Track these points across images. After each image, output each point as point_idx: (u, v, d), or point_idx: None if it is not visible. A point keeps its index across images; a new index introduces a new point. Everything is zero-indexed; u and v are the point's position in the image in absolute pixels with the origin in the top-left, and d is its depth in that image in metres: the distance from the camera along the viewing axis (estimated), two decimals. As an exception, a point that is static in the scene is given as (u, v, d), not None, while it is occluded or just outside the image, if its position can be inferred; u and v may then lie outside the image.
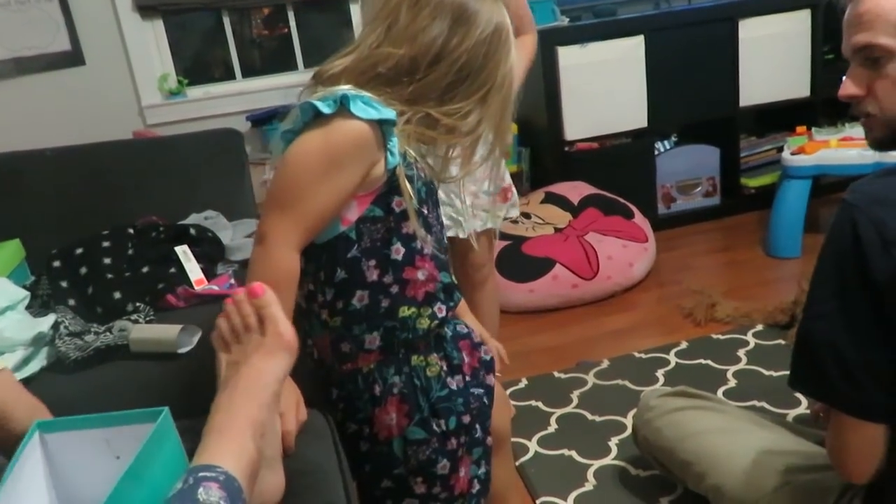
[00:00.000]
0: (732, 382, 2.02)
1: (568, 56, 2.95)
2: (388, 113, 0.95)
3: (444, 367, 1.10)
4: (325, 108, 0.93)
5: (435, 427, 1.07)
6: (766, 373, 2.04)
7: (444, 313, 1.08)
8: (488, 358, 1.19)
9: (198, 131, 2.14)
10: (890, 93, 1.04)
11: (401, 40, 0.97)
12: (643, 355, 2.21)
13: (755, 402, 1.89)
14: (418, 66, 0.97)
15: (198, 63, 3.26)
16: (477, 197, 1.69)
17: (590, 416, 1.94)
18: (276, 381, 0.87)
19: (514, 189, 1.84)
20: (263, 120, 3.04)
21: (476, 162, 1.08)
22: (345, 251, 1.01)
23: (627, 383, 2.07)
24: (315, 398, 1.11)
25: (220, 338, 0.91)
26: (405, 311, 1.04)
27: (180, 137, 2.19)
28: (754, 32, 3.09)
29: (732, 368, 2.09)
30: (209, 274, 1.64)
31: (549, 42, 2.93)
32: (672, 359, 2.18)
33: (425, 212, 1.06)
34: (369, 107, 0.94)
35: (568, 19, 3.10)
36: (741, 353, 2.16)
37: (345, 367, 1.07)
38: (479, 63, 0.98)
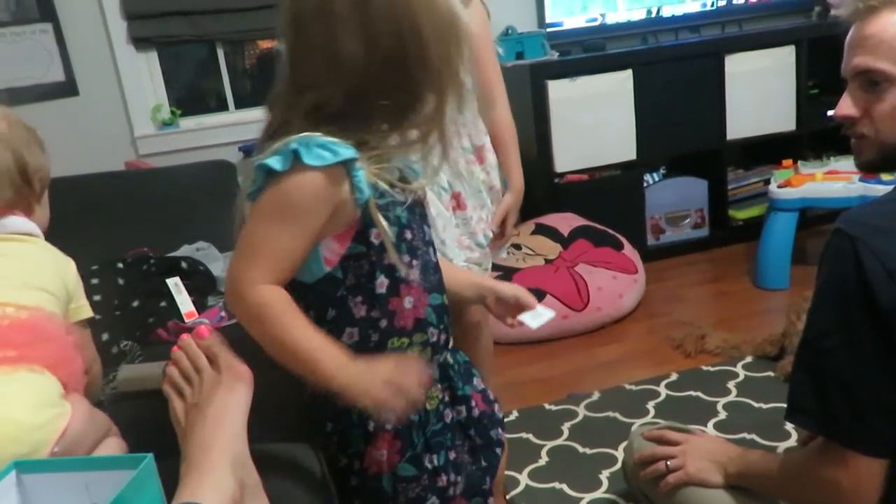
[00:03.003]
0: (723, 415, 2.02)
1: (558, 89, 2.99)
2: (347, 152, 0.92)
3: (446, 398, 1.09)
4: (277, 166, 0.91)
5: (427, 463, 1.06)
6: (756, 405, 2.05)
7: (436, 337, 1.07)
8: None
9: (190, 163, 2.15)
10: (886, 118, 1.04)
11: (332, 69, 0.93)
12: (634, 387, 2.22)
13: (745, 435, 1.89)
14: (361, 92, 0.93)
15: (191, 94, 3.28)
16: (471, 250, 1.66)
17: (581, 449, 1.94)
18: (241, 413, 0.90)
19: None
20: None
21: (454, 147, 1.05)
22: (333, 290, 1.00)
23: (618, 415, 2.07)
24: (308, 430, 1.10)
25: (172, 385, 0.93)
26: (395, 343, 1.03)
27: (173, 169, 2.21)
28: (740, 67, 3.15)
29: (722, 400, 2.09)
30: (200, 307, 1.64)
31: (540, 76, 2.98)
32: (662, 391, 2.18)
33: (409, 236, 1.03)
34: (325, 150, 0.91)
35: (558, 53, 3.15)
36: (731, 385, 2.17)
37: (340, 402, 1.03)
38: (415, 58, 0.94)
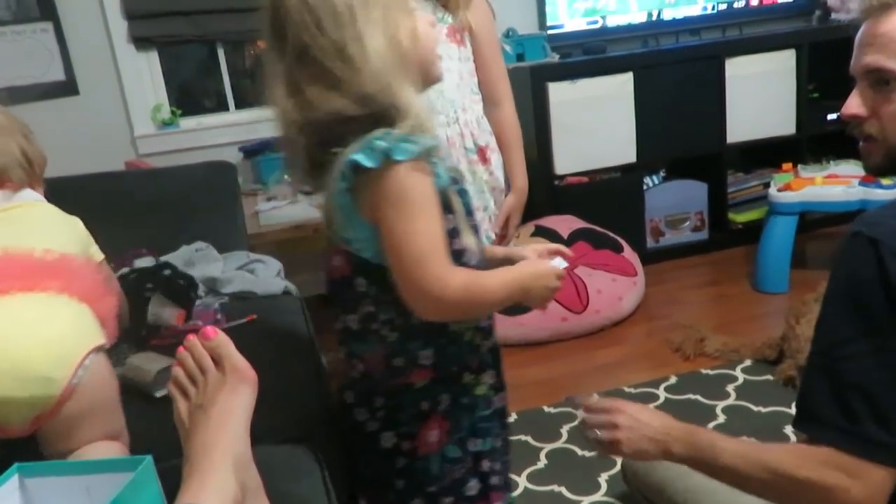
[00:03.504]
0: (721, 418, 2.02)
1: (558, 92, 2.99)
2: (427, 141, 0.93)
3: (496, 384, 1.12)
4: (367, 163, 0.90)
5: (471, 447, 1.08)
6: (755, 409, 2.05)
7: (486, 323, 1.10)
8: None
9: (190, 163, 2.15)
10: (894, 119, 1.01)
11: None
12: (633, 390, 2.22)
13: (744, 439, 1.88)
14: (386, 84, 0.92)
15: (191, 94, 3.28)
16: None
17: (579, 452, 1.94)
18: (244, 414, 0.90)
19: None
20: (255, 151, 3.05)
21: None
22: None
23: (617, 418, 2.07)
24: (341, 405, 1.12)
25: (177, 385, 0.93)
26: (454, 326, 1.05)
27: (173, 169, 2.20)
28: (741, 71, 3.15)
29: (721, 404, 2.09)
30: (189, 312, 1.63)
31: (540, 78, 2.98)
32: (661, 394, 2.18)
33: (471, 222, 1.06)
34: (407, 143, 0.91)
35: (558, 56, 3.15)
36: (730, 388, 2.17)
37: (395, 381, 1.05)
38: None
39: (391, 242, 0.94)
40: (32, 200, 1.31)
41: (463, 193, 1.03)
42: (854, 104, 1.04)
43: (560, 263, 1.12)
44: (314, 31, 0.91)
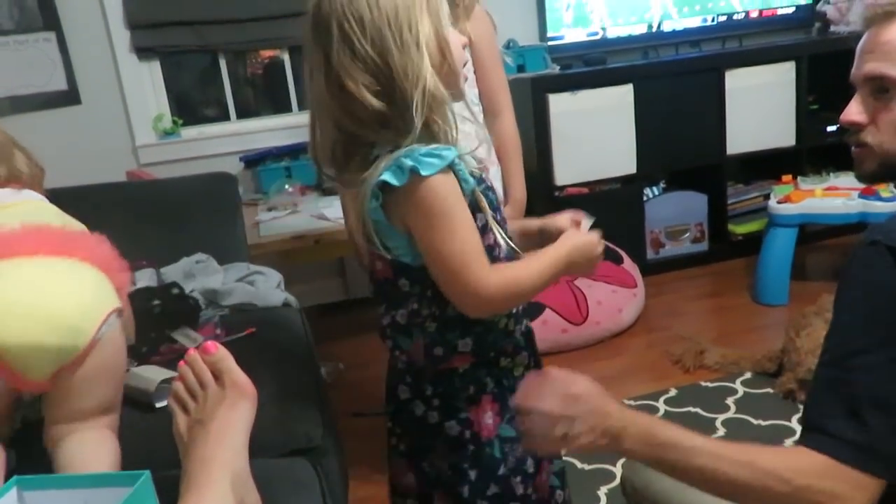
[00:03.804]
0: (721, 431, 2.02)
1: (559, 103, 3.00)
2: (449, 153, 0.97)
3: (530, 364, 1.16)
4: (394, 181, 0.95)
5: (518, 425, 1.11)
6: (755, 422, 2.04)
7: (518, 308, 1.13)
8: None
9: (192, 175, 2.15)
10: (892, 128, 1.00)
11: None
12: (632, 402, 2.21)
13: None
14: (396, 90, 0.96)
15: (193, 103, 3.30)
16: None
17: (579, 465, 1.93)
18: (244, 429, 0.90)
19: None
20: (256, 161, 3.06)
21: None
22: None
23: (616, 431, 2.07)
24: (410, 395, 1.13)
25: (178, 400, 0.93)
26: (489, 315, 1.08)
27: (174, 181, 2.20)
28: (740, 83, 3.16)
29: (721, 417, 2.09)
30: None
31: (541, 89, 2.99)
32: (661, 406, 2.18)
33: (499, 217, 1.10)
34: (432, 157, 0.95)
35: (559, 67, 3.16)
36: (730, 401, 2.16)
37: (439, 367, 1.10)
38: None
39: (429, 254, 1.00)
40: (36, 199, 1.40)
41: (488, 191, 1.08)
42: (854, 111, 1.03)
43: (588, 224, 1.17)
44: (358, 29, 0.94)
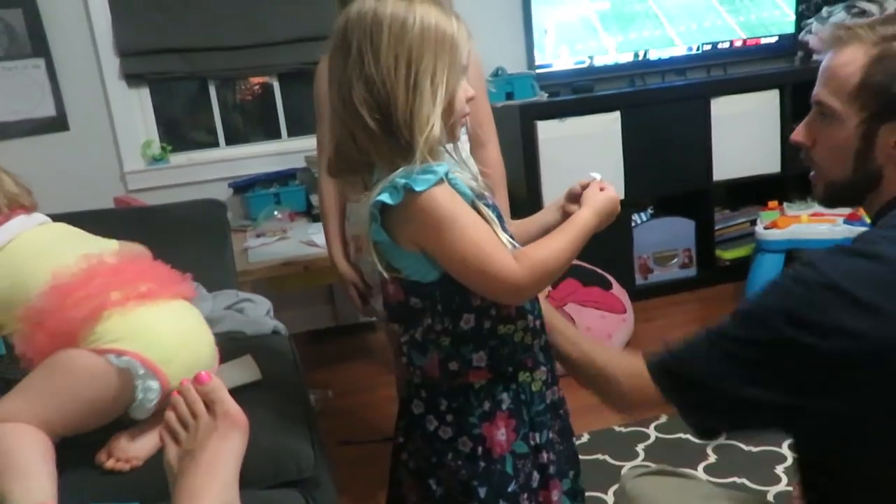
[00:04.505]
0: (713, 458, 2.01)
1: (547, 130, 3.03)
2: (441, 168, 0.98)
3: (548, 379, 1.16)
4: (389, 200, 0.97)
5: (531, 441, 1.12)
6: (745, 448, 2.04)
7: (534, 323, 1.13)
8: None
9: (180, 201, 2.14)
10: (826, 152, 1.04)
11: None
12: (623, 429, 2.20)
13: (735, 479, 1.88)
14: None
15: (182, 130, 3.30)
16: None
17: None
18: (234, 461, 0.89)
19: None
20: (245, 187, 3.06)
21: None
22: (456, 284, 1.05)
23: (608, 458, 2.06)
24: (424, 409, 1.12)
25: (169, 430, 0.92)
26: (502, 329, 1.09)
27: (162, 207, 2.19)
28: (726, 110, 3.20)
29: (712, 443, 2.08)
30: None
31: (529, 116, 3.01)
32: (652, 433, 2.17)
33: (503, 229, 1.09)
34: (426, 174, 0.97)
35: (547, 94, 3.20)
36: (720, 427, 2.16)
37: (455, 382, 1.10)
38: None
39: (447, 262, 1.01)
40: (52, 223, 1.55)
41: (490, 207, 1.07)
42: (800, 132, 1.07)
43: (596, 176, 1.16)
44: (372, 56, 0.97)
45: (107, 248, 1.49)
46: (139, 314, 1.34)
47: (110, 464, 1.27)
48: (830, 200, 1.10)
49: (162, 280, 1.44)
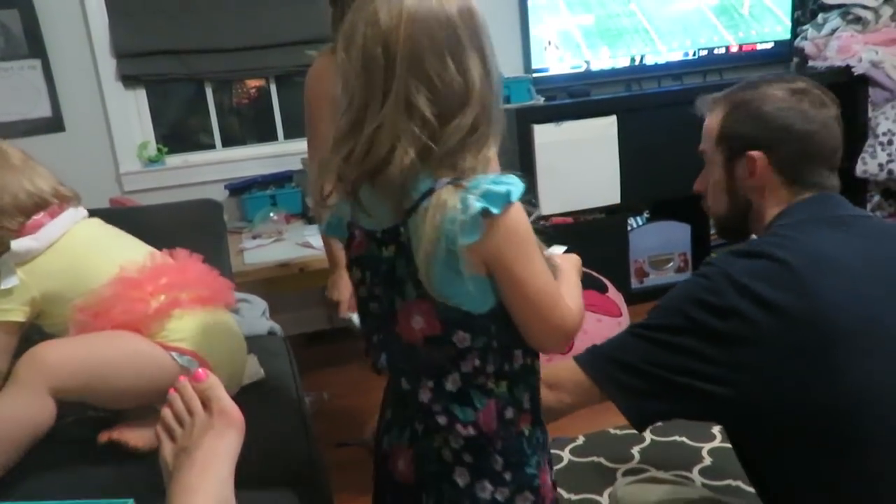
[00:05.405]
0: (708, 461, 2.01)
1: (543, 134, 3.03)
2: (516, 178, 0.90)
3: None
4: (496, 210, 0.87)
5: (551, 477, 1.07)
6: (741, 451, 2.04)
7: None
8: None
9: (176, 202, 2.14)
10: (710, 192, 1.29)
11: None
12: (618, 431, 2.20)
13: (730, 482, 1.88)
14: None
15: (178, 131, 3.29)
16: None
17: (565, 495, 1.92)
18: (229, 459, 0.89)
19: None
20: (242, 189, 3.06)
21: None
22: (507, 316, 0.95)
23: (603, 460, 2.06)
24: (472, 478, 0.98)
25: (165, 426, 0.92)
26: (530, 361, 1.01)
27: (158, 207, 2.19)
28: (721, 115, 3.21)
29: (707, 446, 2.08)
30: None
31: (525, 120, 3.02)
32: (647, 436, 2.17)
33: None
34: (507, 185, 0.89)
35: (543, 98, 3.20)
36: (715, 430, 2.16)
37: (510, 432, 0.98)
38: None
39: (521, 289, 0.91)
40: (91, 218, 1.55)
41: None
42: (698, 181, 1.33)
43: (559, 250, 1.20)
44: (448, 55, 0.92)
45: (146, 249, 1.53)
46: (203, 318, 1.40)
47: (115, 435, 1.29)
48: (723, 233, 1.35)
49: (216, 287, 1.50)
